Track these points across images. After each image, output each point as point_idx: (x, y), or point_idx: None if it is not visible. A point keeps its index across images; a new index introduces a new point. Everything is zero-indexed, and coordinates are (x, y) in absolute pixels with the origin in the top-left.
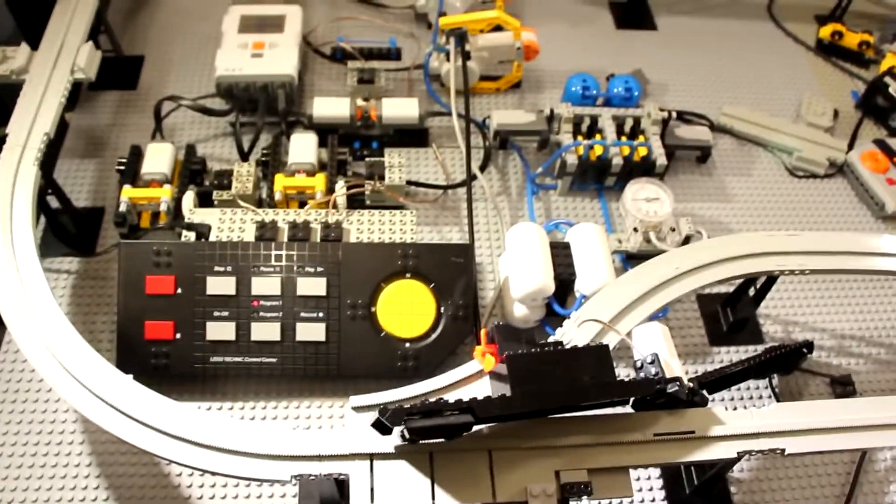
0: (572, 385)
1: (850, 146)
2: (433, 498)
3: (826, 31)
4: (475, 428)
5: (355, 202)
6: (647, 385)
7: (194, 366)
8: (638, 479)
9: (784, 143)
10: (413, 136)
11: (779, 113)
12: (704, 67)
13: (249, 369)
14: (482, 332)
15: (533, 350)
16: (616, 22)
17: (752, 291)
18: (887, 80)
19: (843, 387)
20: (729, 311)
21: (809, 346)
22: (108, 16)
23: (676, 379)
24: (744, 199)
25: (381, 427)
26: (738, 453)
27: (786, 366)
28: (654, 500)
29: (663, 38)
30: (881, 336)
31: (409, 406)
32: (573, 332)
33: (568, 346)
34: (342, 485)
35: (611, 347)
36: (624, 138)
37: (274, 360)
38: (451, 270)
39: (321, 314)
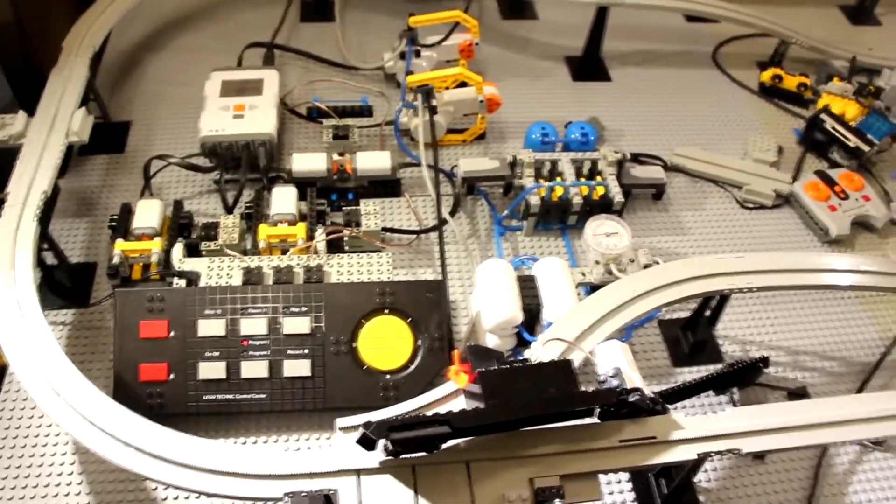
0: (540, 396)
1: (795, 178)
2: None
3: (767, 76)
4: (454, 442)
5: (335, 248)
6: (608, 394)
7: (188, 404)
8: (612, 493)
9: (733, 178)
10: (386, 186)
11: (728, 151)
12: (656, 113)
13: (240, 406)
14: (455, 352)
15: (502, 367)
16: (572, 74)
17: (707, 312)
18: (823, 116)
19: (799, 398)
20: (689, 334)
21: (765, 361)
22: (97, 84)
23: (637, 389)
24: (698, 231)
25: (366, 443)
26: (697, 454)
27: (744, 380)
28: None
29: (617, 88)
30: (833, 349)
31: (390, 419)
32: (540, 352)
33: (535, 363)
34: (332, 500)
35: (575, 365)
36: (583, 179)
37: (263, 396)
38: (425, 305)
39: (306, 351)
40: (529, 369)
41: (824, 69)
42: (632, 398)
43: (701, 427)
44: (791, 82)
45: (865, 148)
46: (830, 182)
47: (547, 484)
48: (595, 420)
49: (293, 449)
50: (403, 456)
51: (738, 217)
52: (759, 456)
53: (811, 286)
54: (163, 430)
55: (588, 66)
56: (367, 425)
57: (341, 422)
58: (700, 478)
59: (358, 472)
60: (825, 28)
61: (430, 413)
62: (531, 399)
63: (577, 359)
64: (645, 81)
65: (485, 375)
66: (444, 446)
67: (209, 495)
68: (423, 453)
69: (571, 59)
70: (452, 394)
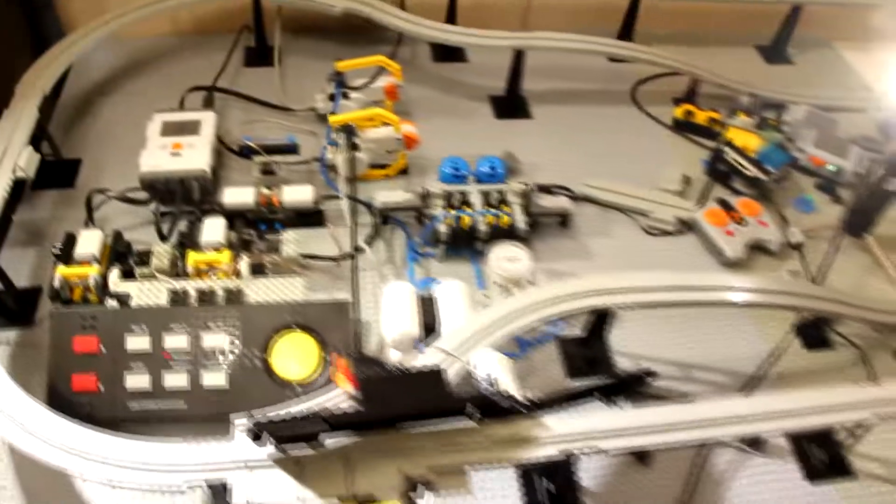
0: (413, 398)
1: (702, 205)
2: (299, 495)
3: (680, 111)
4: (336, 440)
5: (259, 273)
6: (479, 397)
7: (115, 412)
8: (504, 496)
9: (639, 206)
10: (311, 217)
11: (641, 183)
12: (573, 147)
13: (163, 414)
14: (339, 358)
15: (380, 373)
16: (495, 113)
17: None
18: (725, 149)
19: None
20: (584, 350)
21: (651, 373)
22: (50, 126)
23: (507, 394)
24: (604, 257)
25: (256, 438)
26: (560, 451)
27: (629, 390)
28: None
29: (537, 125)
30: (722, 363)
31: (273, 416)
32: (422, 361)
33: (410, 370)
34: (227, 489)
35: (455, 373)
36: (490, 209)
37: (184, 405)
38: (332, 323)
39: (222, 362)
40: (405, 375)
41: (733, 105)
42: (501, 401)
43: (567, 428)
44: (702, 117)
45: (763, 177)
46: (729, 208)
47: (418, 476)
48: (468, 421)
49: None
50: (290, 451)
51: (642, 243)
52: (644, 460)
53: (690, 303)
54: (83, 430)
55: (510, 104)
56: (254, 422)
57: (239, 421)
58: (588, 483)
59: (249, 466)
60: (742, 67)
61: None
62: (404, 400)
63: (455, 368)
64: (564, 118)
65: (364, 380)
66: (327, 443)
67: (121, 487)
68: (308, 448)
69: (495, 99)
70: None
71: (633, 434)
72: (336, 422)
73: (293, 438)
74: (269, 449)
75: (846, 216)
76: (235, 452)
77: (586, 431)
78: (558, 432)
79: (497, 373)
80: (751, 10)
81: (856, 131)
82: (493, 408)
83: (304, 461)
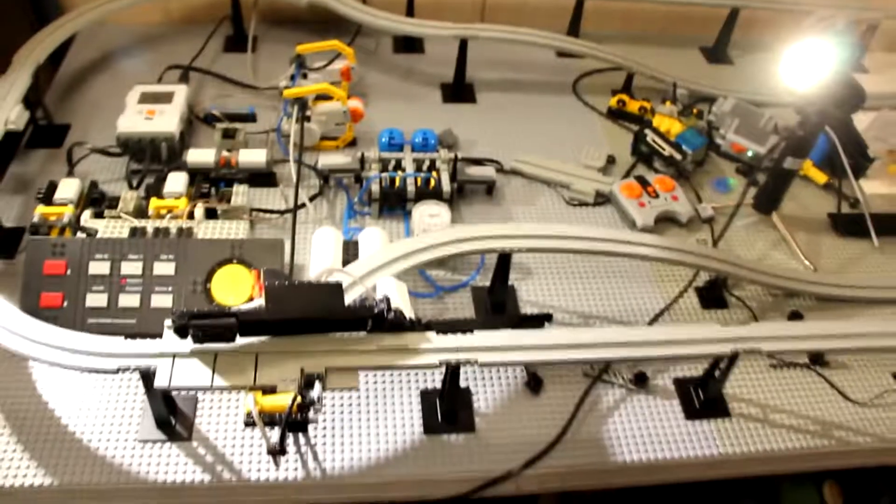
0: (312, 304)
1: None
2: (212, 382)
3: (613, 101)
4: (249, 340)
5: (211, 217)
6: (368, 309)
7: (74, 326)
8: (402, 417)
9: (561, 179)
10: (264, 177)
11: (570, 161)
12: (511, 129)
13: (115, 327)
14: (256, 273)
15: (285, 283)
16: (443, 97)
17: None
18: (646, 131)
19: None
20: (492, 297)
21: (549, 316)
22: (46, 97)
23: (397, 310)
24: (525, 221)
25: (180, 331)
26: (439, 361)
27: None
28: (413, 429)
29: (480, 109)
30: (616, 315)
31: (192, 311)
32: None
33: (312, 282)
34: (152, 374)
35: (357, 293)
36: (421, 173)
37: (134, 321)
38: (267, 258)
39: (170, 288)
40: (308, 286)
41: (660, 95)
42: (389, 315)
43: (448, 342)
44: (633, 106)
45: (678, 157)
46: (645, 184)
47: (313, 370)
48: (362, 333)
49: None
50: (208, 345)
51: (562, 211)
52: (535, 390)
53: (570, 250)
54: (39, 324)
55: (457, 90)
56: (178, 313)
57: (168, 321)
58: (480, 406)
59: (174, 356)
60: (683, 66)
61: None
62: (302, 305)
63: (357, 289)
64: (507, 104)
65: (269, 288)
66: (238, 341)
67: (66, 367)
68: (223, 344)
69: (444, 85)
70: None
71: (507, 350)
72: (243, 318)
73: (211, 334)
74: (191, 344)
75: (756, 194)
76: (163, 346)
77: (465, 346)
78: (439, 346)
79: (393, 296)
80: (696, 14)
81: (784, 123)
82: (383, 321)
83: (219, 356)
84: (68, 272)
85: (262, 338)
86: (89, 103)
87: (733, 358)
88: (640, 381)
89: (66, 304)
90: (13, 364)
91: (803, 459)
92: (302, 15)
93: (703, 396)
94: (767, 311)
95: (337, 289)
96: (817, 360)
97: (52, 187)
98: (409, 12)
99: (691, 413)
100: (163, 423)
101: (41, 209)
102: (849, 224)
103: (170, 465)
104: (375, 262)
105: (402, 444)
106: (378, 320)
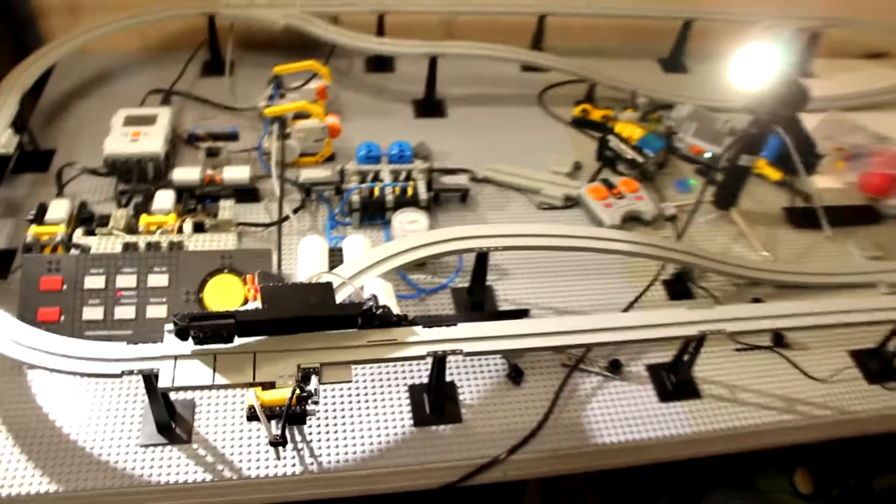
0: (305, 304)
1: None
2: (213, 380)
3: (577, 110)
4: (246, 340)
5: (199, 231)
6: (357, 306)
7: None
8: (393, 412)
9: (531, 185)
10: (248, 193)
11: (538, 168)
12: (481, 141)
13: (112, 339)
14: (249, 276)
15: (278, 284)
16: (415, 113)
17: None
18: (609, 137)
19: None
20: (471, 297)
21: (525, 312)
22: (31, 122)
23: (385, 306)
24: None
25: (181, 334)
26: (427, 353)
27: None
28: (404, 423)
29: (451, 123)
30: (588, 308)
31: (192, 313)
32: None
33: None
34: (156, 376)
35: (346, 293)
36: (398, 182)
37: (130, 331)
38: (255, 267)
39: (164, 299)
40: (300, 286)
41: (622, 104)
42: (378, 311)
43: (433, 335)
44: (597, 114)
45: (640, 159)
46: (611, 186)
47: (309, 366)
48: (353, 330)
49: None
50: (208, 346)
51: (533, 215)
52: (516, 381)
53: (543, 247)
54: (45, 334)
55: (428, 105)
56: (178, 317)
57: (168, 325)
58: (465, 398)
59: (175, 357)
60: (640, 76)
61: None
62: (296, 304)
63: (346, 289)
64: (476, 117)
65: (265, 289)
66: (236, 341)
67: (74, 374)
68: (222, 345)
69: (416, 101)
70: None
71: (489, 339)
72: (241, 318)
73: (211, 335)
74: (192, 346)
75: (715, 192)
76: (164, 349)
77: (450, 337)
78: (426, 338)
79: (380, 294)
80: (652, 27)
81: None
82: (372, 318)
83: (219, 356)
84: (64, 287)
85: (259, 337)
86: (73, 128)
87: (701, 340)
88: (615, 368)
89: (63, 318)
90: (13, 375)
91: (770, 435)
92: (277, 39)
93: (675, 380)
94: (731, 300)
95: (328, 288)
96: (779, 341)
97: (43, 209)
98: (380, 32)
99: (664, 396)
100: (163, 428)
101: (34, 229)
102: (802, 217)
103: (171, 466)
104: (362, 264)
105: (394, 437)
106: (368, 317)
